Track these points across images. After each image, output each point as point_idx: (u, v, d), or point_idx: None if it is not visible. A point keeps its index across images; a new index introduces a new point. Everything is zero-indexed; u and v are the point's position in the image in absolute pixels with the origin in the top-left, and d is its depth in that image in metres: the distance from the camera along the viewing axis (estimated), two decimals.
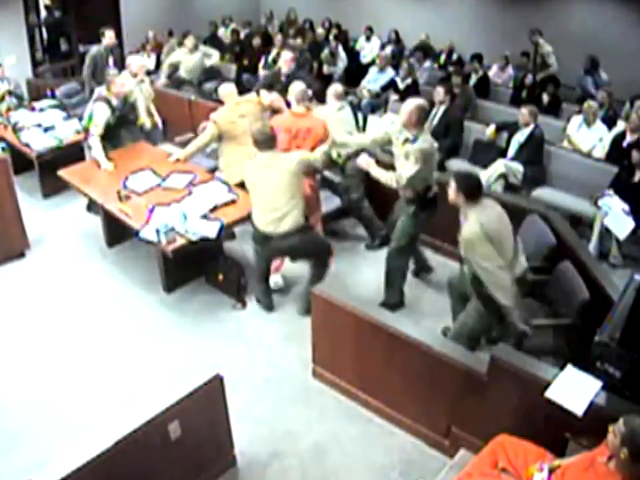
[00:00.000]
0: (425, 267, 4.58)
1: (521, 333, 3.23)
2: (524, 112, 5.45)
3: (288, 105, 4.66)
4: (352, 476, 3.11)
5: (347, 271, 4.64)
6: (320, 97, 5.22)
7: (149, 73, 6.67)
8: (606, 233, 4.80)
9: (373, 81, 7.66)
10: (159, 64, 8.78)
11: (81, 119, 6.02)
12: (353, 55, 9.14)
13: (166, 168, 4.79)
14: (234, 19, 10.55)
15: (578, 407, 2.46)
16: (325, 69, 8.48)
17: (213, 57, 8.10)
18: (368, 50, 9.33)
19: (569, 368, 2.65)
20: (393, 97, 7.11)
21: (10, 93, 6.42)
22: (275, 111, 4.97)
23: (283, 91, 4.95)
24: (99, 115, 4.95)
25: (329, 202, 4.93)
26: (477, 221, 3.12)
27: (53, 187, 5.66)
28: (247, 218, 4.15)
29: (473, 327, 3.42)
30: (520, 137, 5.51)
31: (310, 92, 4.58)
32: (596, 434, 2.36)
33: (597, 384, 2.56)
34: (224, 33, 10.22)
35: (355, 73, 8.37)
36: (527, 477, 2.45)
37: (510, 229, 3.27)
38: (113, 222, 4.57)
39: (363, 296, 4.21)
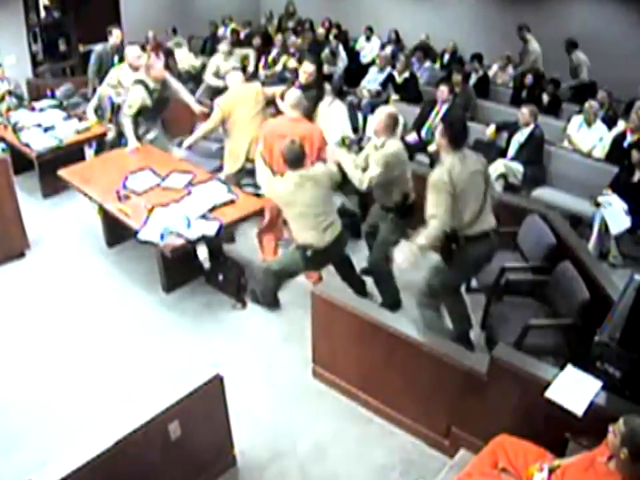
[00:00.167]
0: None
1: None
2: (524, 112, 5.45)
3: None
4: (352, 476, 3.11)
5: None
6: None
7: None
8: (606, 232, 4.80)
9: (372, 81, 7.66)
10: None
11: (80, 119, 6.04)
12: (353, 54, 9.14)
13: (166, 168, 4.79)
14: (234, 18, 10.54)
15: (578, 407, 2.46)
16: (325, 68, 8.47)
17: (251, 58, 8.08)
18: (368, 50, 9.33)
19: (569, 368, 2.65)
20: (394, 96, 7.12)
21: (10, 93, 6.42)
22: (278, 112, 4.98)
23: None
24: (134, 96, 5.01)
25: None
26: (448, 169, 3.23)
27: (52, 186, 5.65)
28: (246, 218, 4.15)
29: (431, 283, 3.57)
30: (520, 136, 5.51)
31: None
32: (596, 434, 2.36)
33: (597, 384, 2.56)
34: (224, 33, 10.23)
35: (355, 72, 8.37)
36: (527, 477, 2.45)
37: (481, 187, 3.38)
38: (112, 222, 4.57)
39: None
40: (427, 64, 8.27)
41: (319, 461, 3.18)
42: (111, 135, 6.02)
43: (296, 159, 3.72)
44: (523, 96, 7.08)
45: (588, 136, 5.63)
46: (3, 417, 3.41)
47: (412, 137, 6.15)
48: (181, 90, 5.39)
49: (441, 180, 3.22)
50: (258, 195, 4.46)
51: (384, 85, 7.45)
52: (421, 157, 6.05)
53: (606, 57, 7.61)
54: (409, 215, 4.01)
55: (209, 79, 7.54)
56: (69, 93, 7.20)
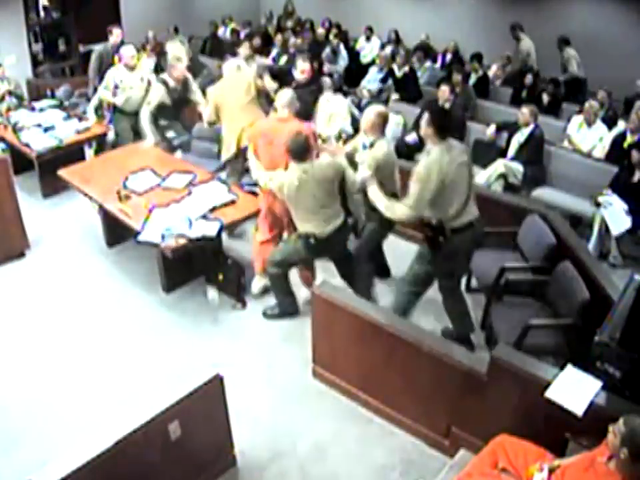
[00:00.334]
0: (385, 271, 4.62)
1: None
2: (524, 112, 5.44)
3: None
4: (352, 476, 3.11)
5: None
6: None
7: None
8: (606, 232, 4.80)
9: (372, 81, 7.65)
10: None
11: (80, 119, 6.04)
12: (353, 54, 9.14)
13: (166, 168, 4.79)
14: (234, 18, 10.55)
15: (578, 407, 2.46)
16: (325, 68, 8.47)
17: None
18: (368, 50, 9.32)
19: (569, 368, 2.65)
20: (394, 96, 7.12)
21: (10, 93, 6.42)
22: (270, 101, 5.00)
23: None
24: (154, 93, 5.24)
25: None
26: (437, 161, 3.27)
27: (52, 186, 5.65)
28: (246, 218, 4.15)
29: (415, 272, 3.66)
30: (520, 137, 5.51)
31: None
32: (596, 434, 2.36)
33: (597, 384, 2.56)
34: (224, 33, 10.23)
35: (355, 72, 8.37)
36: (527, 477, 2.45)
37: (466, 179, 3.42)
38: (113, 222, 4.57)
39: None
40: (427, 64, 8.27)
41: (318, 460, 3.18)
42: (111, 135, 6.04)
43: (301, 151, 3.62)
44: (523, 96, 7.08)
45: (588, 136, 5.63)
46: (3, 417, 3.41)
47: (412, 137, 6.13)
48: (196, 91, 5.50)
49: (428, 173, 3.26)
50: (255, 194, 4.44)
51: (384, 79, 7.48)
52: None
53: (606, 57, 7.61)
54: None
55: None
56: (69, 93, 7.20)
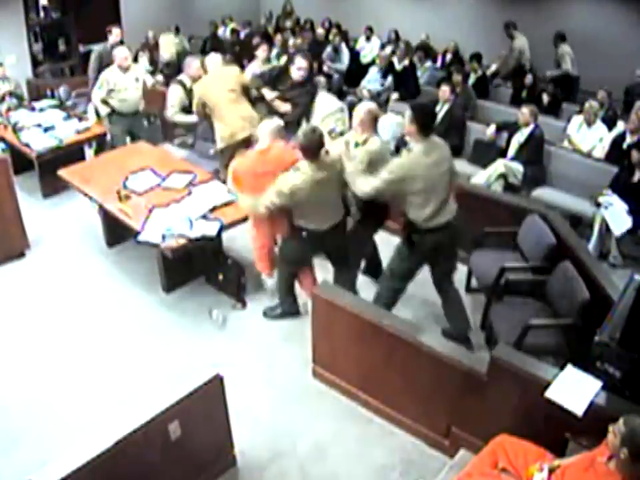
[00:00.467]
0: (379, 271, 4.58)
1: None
2: (524, 112, 5.44)
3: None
4: (352, 476, 3.11)
5: None
6: None
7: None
8: (606, 232, 4.80)
9: (372, 81, 7.66)
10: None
11: (80, 119, 6.04)
12: (353, 55, 9.14)
13: (166, 168, 4.79)
14: (234, 18, 10.55)
15: (578, 407, 2.47)
16: (326, 67, 8.48)
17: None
18: (368, 50, 9.31)
19: (569, 368, 2.65)
20: (394, 96, 7.12)
21: (11, 93, 6.42)
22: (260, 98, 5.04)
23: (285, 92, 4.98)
24: (172, 96, 5.25)
25: None
26: (415, 159, 3.31)
27: (52, 186, 5.66)
28: (246, 218, 4.15)
29: (392, 267, 3.72)
30: (520, 137, 5.51)
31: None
32: (596, 434, 2.36)
33: (597, 384, 2.56)
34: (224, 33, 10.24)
35: (355, 73, 8.37)
36: (527, 477, 2.45)
37: (446, 179, 3.44)
38: (113, 222, 4.57)
39: (363, 296, 4.20)
40: (427, 64, 8.28)
41: (318, 460, 3.18)
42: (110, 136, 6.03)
43: (314, 149, 3.53)
44: (523, 96, 7.09)
45: (588, 136, 5.63)
46: (3, 417, 3.41)
47: None
48: None
49: (401, 169, 3.33)
50: None
51: (384, 75, 7.50)
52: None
53: (606, 56, 7.61)
54: (384, 211, 3.99)
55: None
56: (69, 93, 7.20)
